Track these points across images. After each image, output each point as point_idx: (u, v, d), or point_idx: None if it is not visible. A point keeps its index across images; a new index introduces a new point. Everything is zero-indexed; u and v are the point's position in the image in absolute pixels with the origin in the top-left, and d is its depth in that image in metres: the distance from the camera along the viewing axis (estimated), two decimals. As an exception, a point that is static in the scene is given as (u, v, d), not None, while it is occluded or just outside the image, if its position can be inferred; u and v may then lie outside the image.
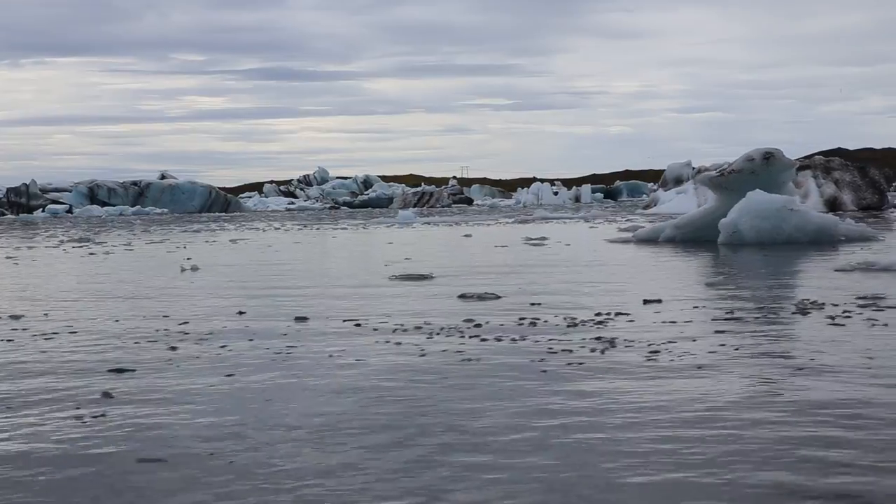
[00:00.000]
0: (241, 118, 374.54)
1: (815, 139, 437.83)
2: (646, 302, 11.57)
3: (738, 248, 22.28)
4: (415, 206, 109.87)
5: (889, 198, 54.18)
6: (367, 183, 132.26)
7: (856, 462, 4.84)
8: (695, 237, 24.83)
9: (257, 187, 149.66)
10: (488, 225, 44.20)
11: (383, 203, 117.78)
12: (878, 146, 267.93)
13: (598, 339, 8.76)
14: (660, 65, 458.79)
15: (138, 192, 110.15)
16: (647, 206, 59.03)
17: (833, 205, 51.00)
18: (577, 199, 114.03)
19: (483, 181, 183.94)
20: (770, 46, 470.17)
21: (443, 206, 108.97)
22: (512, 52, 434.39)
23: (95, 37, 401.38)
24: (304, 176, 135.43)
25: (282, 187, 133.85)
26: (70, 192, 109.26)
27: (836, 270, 15.27)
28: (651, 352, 8.04)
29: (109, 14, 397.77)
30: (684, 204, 54.83)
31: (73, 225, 61.30)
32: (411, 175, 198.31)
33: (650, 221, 41.55)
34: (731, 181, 24.80)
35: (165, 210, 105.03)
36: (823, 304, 10.91)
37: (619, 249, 23.36)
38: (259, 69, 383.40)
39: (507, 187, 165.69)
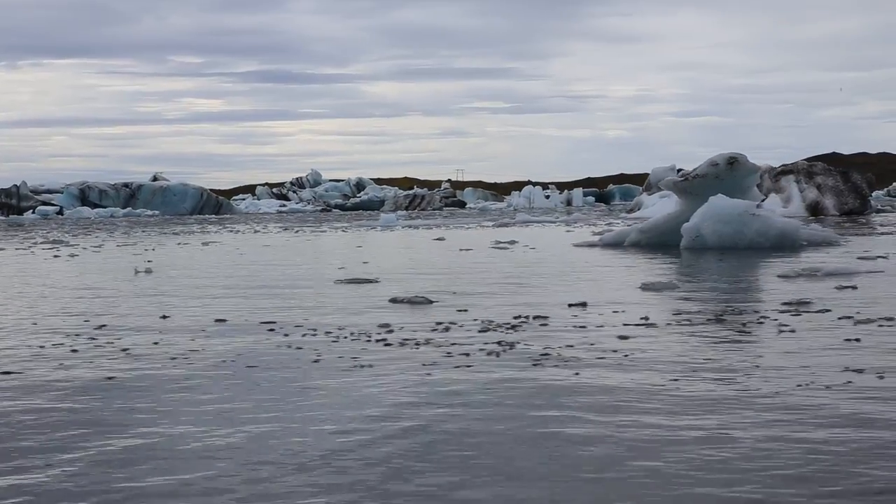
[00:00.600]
0: (238, 120, 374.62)
1: (813, 144, 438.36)
2: (570, 305, 11.58)
3: (700, 252, 22.28)
4: (406, 208, 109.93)
5: (872, 202, 54.24)
6: (359, 185, 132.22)
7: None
8: (660, 241, 24.85)
9: (252, 190, 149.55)
10: (467, 228, 44.20)
11: (375, 206, 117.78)
12: (873, 150, 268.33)
13: (499, 343, 8.77)
14: (658, 69, 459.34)
15: (129, 194, 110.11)
16: (631, 210, 59.03)
17: (815, 209, 51.04)
18: (569, 203, 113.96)
19: (478, 184, 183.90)
20: (768, 51, 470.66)
21: (434, 209, 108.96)
22: (510, 55, 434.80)
23: (93, 39, 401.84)
24: (297, 178, 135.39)
25: (274, 190, 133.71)
26: (62, 193, 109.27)
27: (779, 276, 15.27)
28: (541, 355, 8.05)
29: (107, 17, 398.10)
30: (667, 208, 54.68)
31: (59, 226, 61.32)
32: (406, 178, 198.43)
33: (629, 225, 41.53)
34: (695, 186, 24.80)
35: (157, 212, 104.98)
36: (744, 310, 10.92)
37: (583, 253, 23.35)
38: (257, 72, 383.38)
39: (503, 190, 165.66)
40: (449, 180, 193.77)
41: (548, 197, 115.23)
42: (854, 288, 13.13)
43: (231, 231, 46.36)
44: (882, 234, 30.01)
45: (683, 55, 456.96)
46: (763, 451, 5.12)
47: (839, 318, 9.98)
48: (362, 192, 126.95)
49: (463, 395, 6.63)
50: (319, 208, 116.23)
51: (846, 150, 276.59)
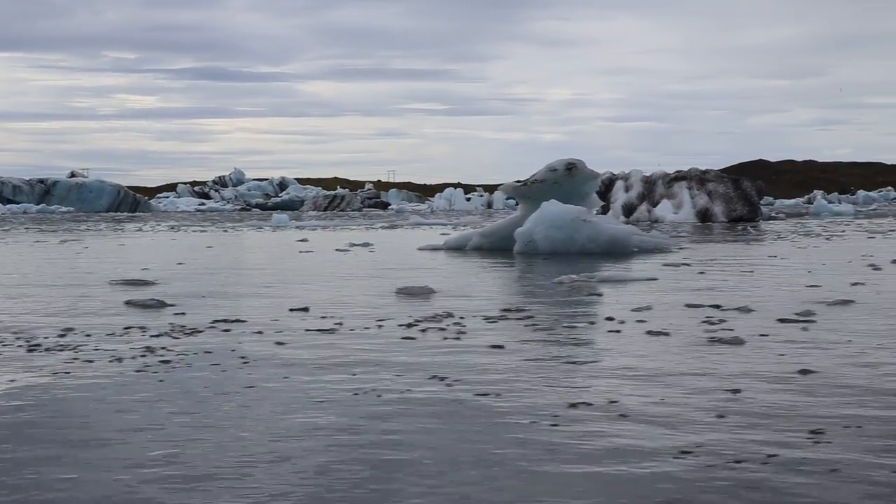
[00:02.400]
0: (173, 118, 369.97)
1: (744, 150, 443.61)
2: (291, 310, 11.55)
3: (531, 257, 22.43)
4: (325, 209, 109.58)
5: (762, 210, 55.00)
6: (283, 185, 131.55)
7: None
8: (501, 246, 24.91)
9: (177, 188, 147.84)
10: (351, 230, 44.11)
11: (296, 205, 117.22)
12: (801, 158, 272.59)
13: (145, 348, 8.70)
14: (594, 73, 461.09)
15: (44, 191, 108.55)
16: (528, 214, 59.26)
17: (705, 216, 51.73)
18: (490, 206, 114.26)
19: (407, 186, 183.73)
20: (703, 58, 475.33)
21: (353, 210, 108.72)
22: (448, 57, 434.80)
23: (25, 32, 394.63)
24: (220, 177, 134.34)
25: (196, 188, 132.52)
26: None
27: (555, 282, 15.39)
28: (159, 361, 8.02)
29: (40, 9, 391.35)
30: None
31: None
32: (335, 178, 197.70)
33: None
34: (534, 191, 24.96)
35: (71, 209, 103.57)
36: (463, 315, 10.95)
37: (421, 256, 23.38)
38: (192, 69, 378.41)
39: (431, 192, 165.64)
40: (378, 181, 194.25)
41: (469, 199, 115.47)
42: (600, 295, 13.27)
43: (116, 231, 45.85)
44: (736, 241, 30.43)
45: (620, 60, 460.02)
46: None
47: (533, 326, 10.08)
48: (284, 192, 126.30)
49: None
50: (239, 207, 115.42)
51: (775, 158, 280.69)
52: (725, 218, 51.30)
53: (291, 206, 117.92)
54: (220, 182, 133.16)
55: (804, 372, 7.38)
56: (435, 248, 26.00)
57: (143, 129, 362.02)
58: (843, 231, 37.64)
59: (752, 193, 53.41)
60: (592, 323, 10.37)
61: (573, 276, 15.88)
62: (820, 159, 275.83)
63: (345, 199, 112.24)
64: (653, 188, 54.79)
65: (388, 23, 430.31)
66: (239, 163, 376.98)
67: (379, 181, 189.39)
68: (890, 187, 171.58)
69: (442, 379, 7.23)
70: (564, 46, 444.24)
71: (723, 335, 9.19)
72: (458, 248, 25.60)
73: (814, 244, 28.04)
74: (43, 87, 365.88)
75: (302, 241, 32.15)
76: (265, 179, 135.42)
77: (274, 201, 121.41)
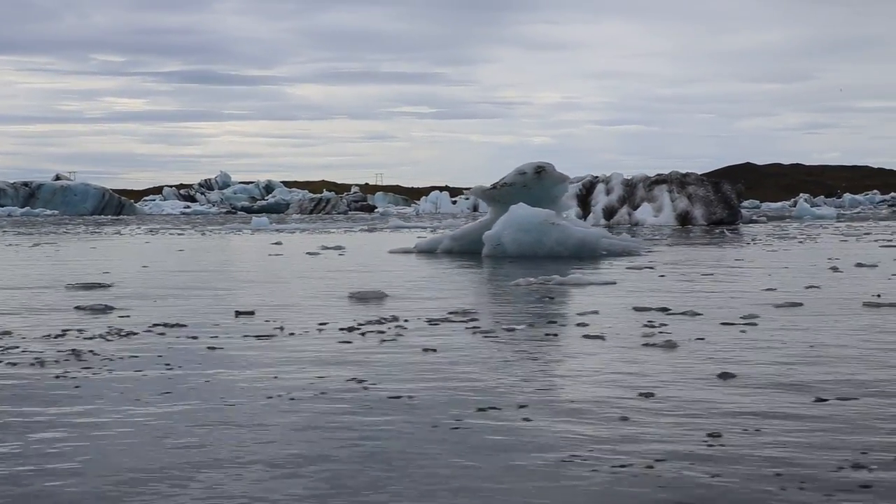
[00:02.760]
0: (161, 120, 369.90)
1: (732, 153, 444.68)
2: (237, 314, 11.53)
3: (499, 260, 22.43)
4: (311, 212, 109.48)
5: (742, 213, 55.12)
6: (269, 188, 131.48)
7: None
8: (471, 249, 24.88)
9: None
10: (330, 233, 44.06)
11: (282, 209, 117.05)
12: (789, 161, 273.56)
13: (71, 351, 8.67)
14: (583, 77, 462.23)
15: (29, 194, 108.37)
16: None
17: (684, 219, 51.85)
18: (476, 209, 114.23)
19: (395, 189, 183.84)
20: (692, 61, 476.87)
21: (339, 213, 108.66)
22: (436, 61, 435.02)
23: (13, 35, 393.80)
24: (206, 180, 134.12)
25: (182, 191, 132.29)
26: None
27: (511, 284, 15.39)
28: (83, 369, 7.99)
29: (28, 13, 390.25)
30: (544, 215, 55.24)
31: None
32: (323, 181, 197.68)
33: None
34: (503, 194, 24.94)
35: (56, 212, 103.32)
36: (408, 319, 10.94)
37: (390, 260, 23.37)
38: (181, 72, 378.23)
39: (419, 195, 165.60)
40: (366, 184, 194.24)
41: (455, 203, 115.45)
42: (552, 298, 13.28)
43: (94, 233, 45.72)
44: (710, 244, 30.49)
45: (608, 64, 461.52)
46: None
47: (474, 329, 10.08)
48: (270, 195, 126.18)
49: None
50: (224, 210, 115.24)
51: (763, 161, 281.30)
52: (705, 221, 51.42)
53: (277, 209, 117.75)
54: (206, 185, 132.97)
55: (724, 375, 7.38)
56: (406, 252, 25.98)
57: (130, 132, 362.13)
58: (819, 234, 37.75)
59: (732, 196, 53.56)
60: (532, 325, 10.36)
61: (531, 279, 15.89)
62: (807, 163, 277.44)
63: (330, 202, 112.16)
64: (633, 191, 54.90)
65: (377, 26, 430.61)
66: (227, 166, 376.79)
67: (366, 184, 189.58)
68: (876, 191, 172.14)
69: (360, 381, 7.21)
70: (553, 50, 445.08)
71: (657, 339, 9.19)
72: (428, 252, 25.60)
73: (785, 247, 28.11)
74: (30, 91, 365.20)
75: (276, 244, 32.10)
76: (251, 182, 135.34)
77: (260, 204, 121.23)
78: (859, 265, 19.38)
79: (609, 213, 53.81)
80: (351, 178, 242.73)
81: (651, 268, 19.12)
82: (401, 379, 7.34)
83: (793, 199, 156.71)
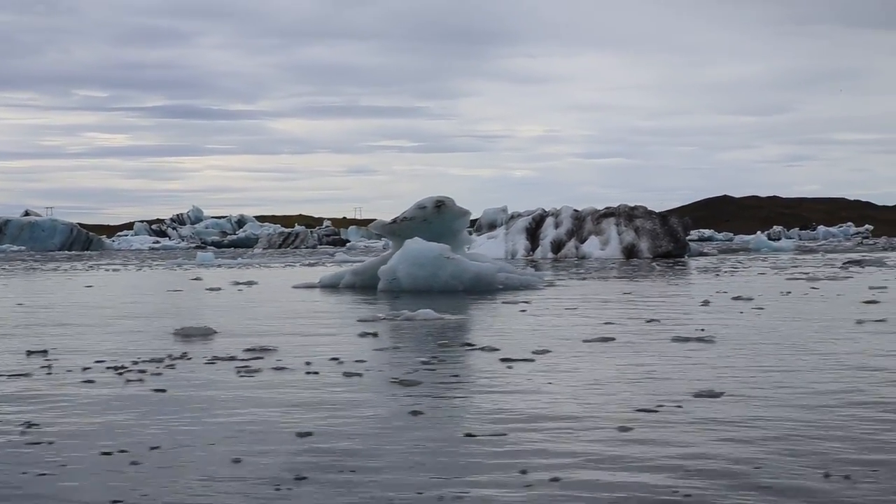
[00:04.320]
0: (143, 155, 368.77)
1: (712, 186, 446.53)
2: (29, 353, 11.42)
3: (394, 294, 22.38)
4: (279, 246, 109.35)
5: (690, 246, 55.15)
6: (241, 222, 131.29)
7: None
8: (372, 283, 24.80)
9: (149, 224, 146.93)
10: (269, 268, 43.96)
11: (252, 243, 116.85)
12: (768, 194, 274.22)
13: None
14: (564, 110, 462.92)
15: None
16: (459, 251, 59.24)
17: (631, 252, 51.87)
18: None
19: (370, 222, 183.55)
20: (672, 94, 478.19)
21: (307, 248, 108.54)
22: (417, 94, 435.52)
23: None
24: (178, 215, 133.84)
25: (153, 226, 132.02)
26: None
27: (360, 321, 15.31)
28: None
29: (9, 48, 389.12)
30: (493, 249, 55.26)
31: None
32: (300, 215, 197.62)
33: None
34: (403, 228, 24.92)
35: (23, 248, 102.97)
36: (193, 357, 10.85)
37: (287, 295, 23.27)
38: (162, 107, 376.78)
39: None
40: (344, 218, 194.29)
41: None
42: (375, 335, 13.21)
43: (30, 271, 45.56)
44: (627, 278, 30.47)
45: (590, 97, 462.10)
46: None
47: (246, 368, 10.00)
48: (241, 230, 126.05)
49: None
50: (194, 245, 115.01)
51: (743, 193, 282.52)
52: (651, 254, 51.45)
53: (247, 243, 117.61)
54: (178, 220, 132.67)
55: (414, 413, 7.31)
56: (310, 287, 25.90)
57: (112, 168, 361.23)
58: (750, 267, 37.78)
59: (679, 230, 53.65)
60: (308, 364, 10.25)
61: (380, 314, 15.84)
62: (785, 195, 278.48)
63: (299, 236, 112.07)
64: (582, 225, 54.96)
65: (358, 60, 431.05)
66: (209, 200, 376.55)
67: (344, 218, 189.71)
68: (850, 223, 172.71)
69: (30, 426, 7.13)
70: (534, 83, 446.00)
71: (411, 378, 9.13)
72: (331, 286, 25.53)
73: (698, 280, 28.12)
74: (12, 126, 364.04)
75: (196, 279, 32.01)
76: (223, 217, 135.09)
77: (230, 239, 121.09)
78: (736, 298, 19.40)
79: (557, 246, 53.82)
80: (331, 212, 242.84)
81: (527, 302, 19.09)
82: (80, 419, 7.26)
83: (767, 232, 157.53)
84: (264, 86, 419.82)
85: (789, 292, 21.47)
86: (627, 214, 54.41)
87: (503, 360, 10.47)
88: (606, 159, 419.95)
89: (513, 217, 57.63)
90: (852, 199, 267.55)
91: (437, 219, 25.00)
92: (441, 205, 24.96)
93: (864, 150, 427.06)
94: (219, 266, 46.42)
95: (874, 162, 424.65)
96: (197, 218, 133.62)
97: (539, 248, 54.10)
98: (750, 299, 19.16)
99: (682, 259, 50.17)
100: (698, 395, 8.08)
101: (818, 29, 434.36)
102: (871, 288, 22.62)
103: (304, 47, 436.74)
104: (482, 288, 23.30)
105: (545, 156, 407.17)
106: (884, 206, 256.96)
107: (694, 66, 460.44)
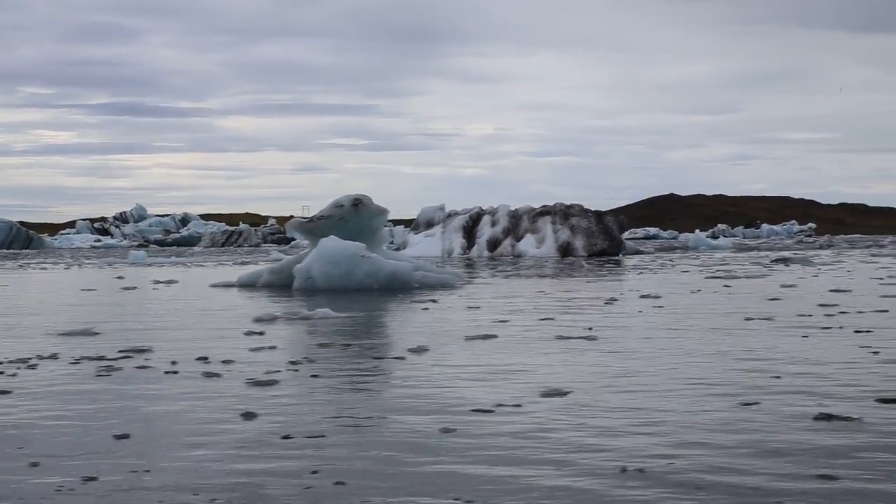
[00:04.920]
0: (90, 153, 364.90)
1: (661, 184, 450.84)
2: None
3: (309, 293, 22.22)
4: (223, 245, 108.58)
5: (625, 244, 55.44)
6: (185, 221, 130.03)
7: None
8: (290, 282, 24.60)
9: (94, 222, 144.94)
10: (201, 266, 43.57)
11: (195, 241, 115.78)
12: (715, 192, 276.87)
13: None
14: (515, 109, 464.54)
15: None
16: (398, 249, 59.15)
17: (566, 250, 52.02)
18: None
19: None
20: (621, 93, 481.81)
21: (251, 246, 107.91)
22: (368, 93, 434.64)
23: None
24: (121, 213, 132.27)
25: (96, 225, 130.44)
26: None
27: (255, 320, 15.17)
28: None
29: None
30: (430, 247, 55.32)
31: None
32: (247, 213, 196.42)
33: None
34: (320, 227, 24.74)
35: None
36: (53, 356, 10.67)
37: (207, 294, 23.02)
38: (110, 104, 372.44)
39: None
40: (291, 216, 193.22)
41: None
42: (261, 334, 13.09)
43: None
44: (553, 276, 30.54)
45: (540, 96, 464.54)
46: None
47: (108, 368, 9.85)
48: (185, 228, 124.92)
49: None
50: (136, 244, 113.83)
51: (690, 191, 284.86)
52: (586, 252, 51.64)
53: (190, 241, 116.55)
54: (122, 218, 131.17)
55: (244, 414, 7.22)
56: (228, 286, 25.66)
57: (58, 165, 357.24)
58: (678, 265, 38.03)
59: (614, 228, 53.92)
60: (174, 363, 10.11)
61: (276, 313, 15.73)
62: (733, 193, 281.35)
63: (243, 234, 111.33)
64: (518, 223, 55.05)
65: (308, 58, 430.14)
66: (157, 198, 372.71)
67: (291, 216, 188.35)
68: (794, 221, 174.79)
69: None
70: (485, 82, 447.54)
71: (264, 378, 9.03)
72: (249, 285, 25.30)
73: (619, 278, 28.25)
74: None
75: (118, 278, 31.64)
76: (167, 215, 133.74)
77: (173, 237, 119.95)
78: (644, 296, 19.50)
79: (493, 244, 53.87)
80: (279, 210, 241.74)
81: (434, 301, 19.04)
82: None
83: (711, 230, 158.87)
84: (213, 83, 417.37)
85: (699, 290, 21.60)
86: (563, 213, 54.56)
87: (375, 357, 10.43)
88: (557, 158, 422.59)
89: (450, 215, 57.58)
90: (797, 197, 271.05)
91: (354, 217, 24.85)
92: (358, 203, 24.83)
93: (812, 150, 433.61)
94: (149, 265, 45.91)
95: (821, 161, 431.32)
96: (140, 216, 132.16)
97: (475, 246, 54.13)
98: (658, 297, 19.26)
99: (617, 257, 50.42)
100: (546, 394, 8.06)
101: (768, 29, 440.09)
102: (782, 286, 22.85)
103: (254, 45, 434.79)
104: (398, 286, 23.22)
105: (496, 154, 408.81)
106: (828, 205, 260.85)
107: (645, 65, 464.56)
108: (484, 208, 57.34)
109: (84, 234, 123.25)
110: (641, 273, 31.29)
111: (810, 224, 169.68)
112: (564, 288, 23.63)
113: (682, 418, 7.05)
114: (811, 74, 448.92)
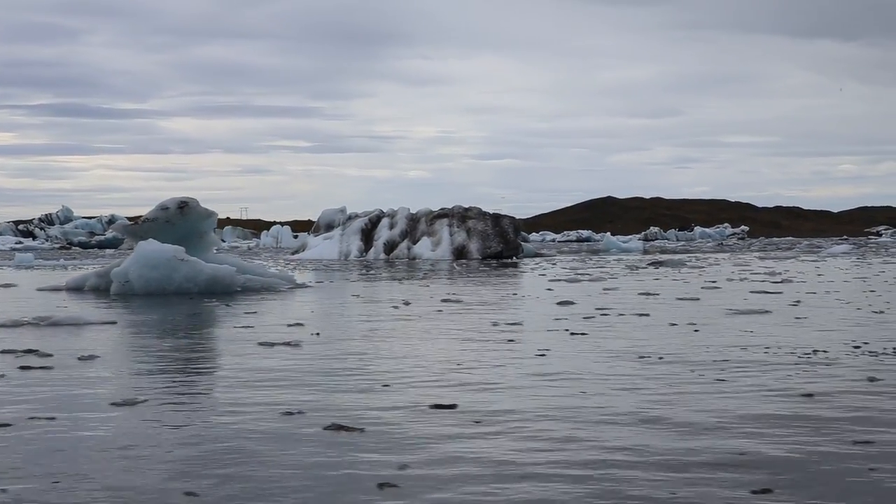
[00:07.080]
0: (30, 154, 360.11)
1: (604, 187, 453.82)
2: None
3: (127, 297, 21.77)
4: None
5: (522, 246, 55.32)
6: (111, 222, 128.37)
7: None
8: (115, 286, 24.16)
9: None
10: (72, 270, 42.85)
11: (118, 243, 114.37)
12: (654, 195, 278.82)
13: None
14: (459, 111, 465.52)
15: None
16: (296, 252, 58.77)
17: (461, 252, 51.94)
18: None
19: (255, 223, 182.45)
20: (565, 97, 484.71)
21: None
22: (312, 95, 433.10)
23: None
24: (46, 215, 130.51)
25: (21, 226, 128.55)
26: None
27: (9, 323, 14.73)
28: None
29: None
30: (327, 250, 54.95)
31: None
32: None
33: (296, 267, 41.61)
34: (146, 230, 24.28)
35: None
36: None
37: (28, 297, 22.47)
38: (50, 105, 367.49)
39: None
40: (228, 218, 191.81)
41: (296, 237, 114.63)
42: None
43: None
44: (425, 279, 30.30)
45: (484, 98, 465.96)
46: None
47: None
48: (109, 230, 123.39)
49: None
50: (58, 246, 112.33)
51: (634, 194, 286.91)
52: (480, 255, 51.56)
53: (115, 243, 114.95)
54: (47, 220, 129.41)
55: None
56: (56, 289, 25.12)
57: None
58: (556, 267, 37.96)
59: (510, 231, 53.87)
60: None
61: (25, 318, 15.32)
62: (673, 196, 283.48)
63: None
64: (416, 226, 54.87)
65: (252, 60, 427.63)
66: (98, 200, 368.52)
67: (228, 218, 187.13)
68: (727, 223, 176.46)
69: None
70: (429, 85, 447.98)
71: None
72: (77, 289, 24.78)
73: (495, 282, 27.93)
74: None
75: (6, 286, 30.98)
76: (93, 217, 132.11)
77: (97, 239, 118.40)
78: (453, 301, 19.33)
79: (390, 247, 53.62)
80: (223, 212, 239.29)
81: (237, 303, 18.71)
82: None
83: (644, 233, 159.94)
84: (155, 84, 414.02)
85: (518, 295, 21.47)
86: (461, 216, 54.47)
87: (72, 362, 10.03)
88: (500, 160, 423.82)
89: (350, 218, 57.22)
90: (733, 200, 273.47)
91: (181, 220, 24.41)
92: (184, 206, 24.39)
93: (752, 153, 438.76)
94: (30, 268, 45.10)
95: (761, 164, 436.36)
96: (66, 218, 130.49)
97: (372, 248, 53.84)
98: (460, 301, 19.07)
99: (510, 259, 50.36)
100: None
101: (710, 34, 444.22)
102: (604, 289, 22.80)
103: (197, 46, 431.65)
104: (220, 290, 22.83)
105: (440, 157, 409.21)
106: (763, 208, 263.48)
107: (588, 69, 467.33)
108: (384, 211, 57.06)
109: (6, 236, 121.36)
110: (512, 276, 31.13)
111: (743, 227, 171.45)
112: (397, 292, 23.28)
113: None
114: (753, 79, 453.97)
